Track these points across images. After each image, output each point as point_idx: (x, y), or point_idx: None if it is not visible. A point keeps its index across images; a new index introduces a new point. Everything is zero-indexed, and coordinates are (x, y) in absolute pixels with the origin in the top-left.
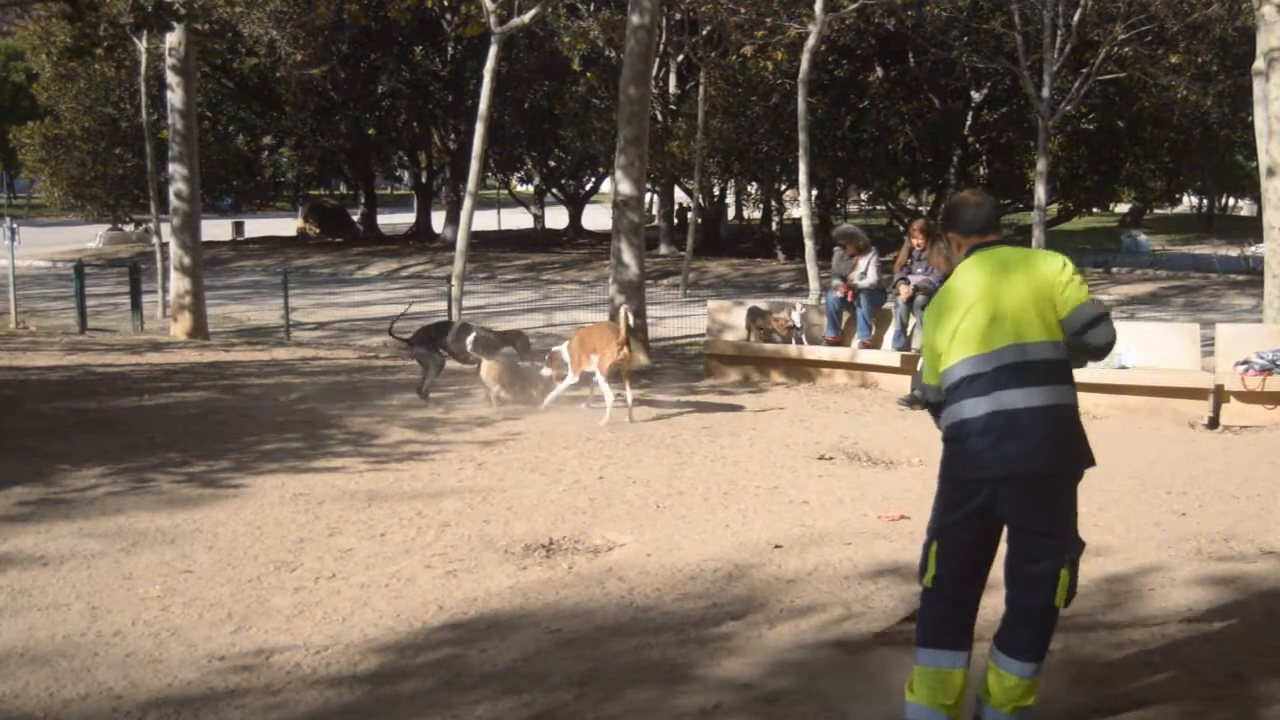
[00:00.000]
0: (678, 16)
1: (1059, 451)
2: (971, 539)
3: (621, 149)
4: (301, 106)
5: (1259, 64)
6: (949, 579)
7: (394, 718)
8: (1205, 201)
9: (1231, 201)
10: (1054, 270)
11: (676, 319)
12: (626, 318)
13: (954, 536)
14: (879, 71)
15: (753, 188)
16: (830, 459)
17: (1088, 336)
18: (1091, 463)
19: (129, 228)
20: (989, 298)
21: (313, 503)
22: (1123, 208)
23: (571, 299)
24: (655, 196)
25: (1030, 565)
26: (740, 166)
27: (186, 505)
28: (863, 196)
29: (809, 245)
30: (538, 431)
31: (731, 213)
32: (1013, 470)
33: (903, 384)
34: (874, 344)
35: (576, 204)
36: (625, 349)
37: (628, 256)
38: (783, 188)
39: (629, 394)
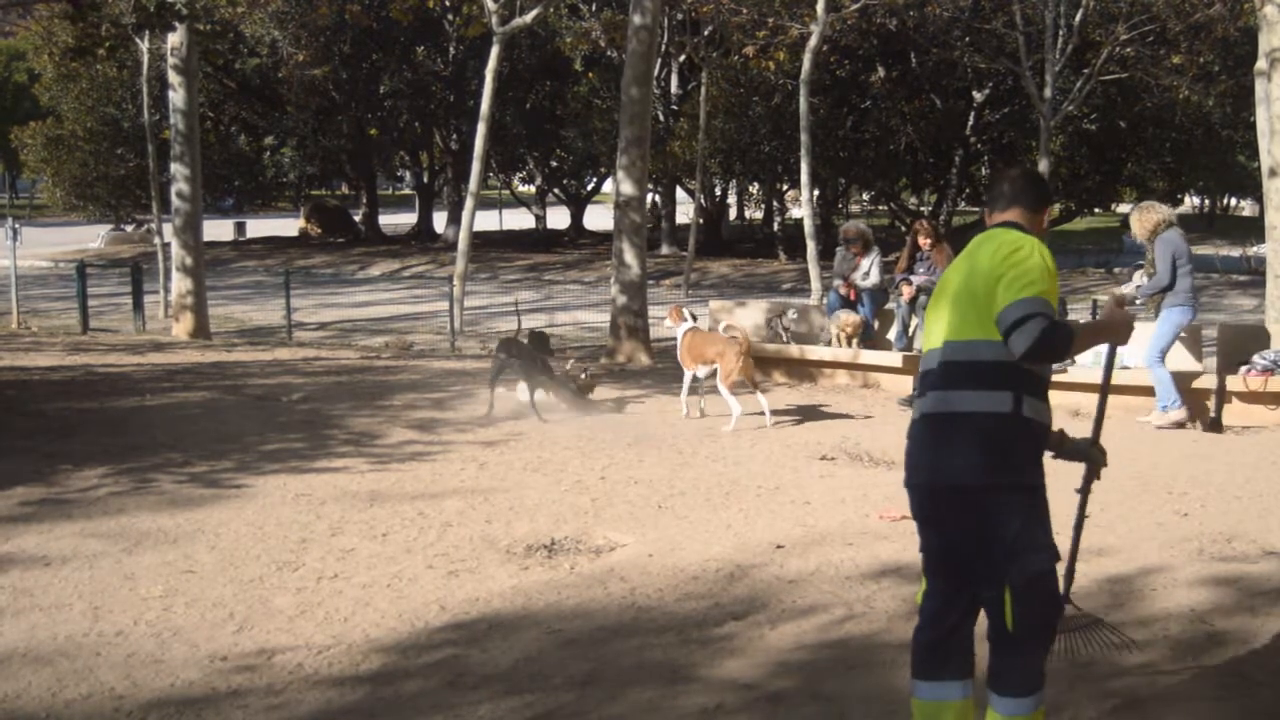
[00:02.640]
0: (679, 17)
1: (963, 463)
2: (930, 548)
3: (623, 149)
4: (303, 107)
5: (1261, 64)
6: (929, 595)
7: (396, 718)
8: (1207, 202)
9: (1233, 202)
10: (995, 261)
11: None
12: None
13: (924, 547)
14: (881, 71)
15: (754, 188)
16: (832, 459)
17: (1009, 342)
18: (1015, 477)
19: (131, 228)
20: (943, 289)
21: (315, 503)
22: (1125, 208)
23: (573, 299)
24: (657, 197)
25: (979, 586)
26: (742, 167)
27: (188, 505)
28: (864, 197)
29: (811, 245)
30: (539, 432)
31: (733, 213)
32: (921, 480)
33: (905, 384)
34: (876, 344)
35: (578, 204)
36: (746, 357)
37: (629, 257)
38: (784, 188)
39: (763, 400)
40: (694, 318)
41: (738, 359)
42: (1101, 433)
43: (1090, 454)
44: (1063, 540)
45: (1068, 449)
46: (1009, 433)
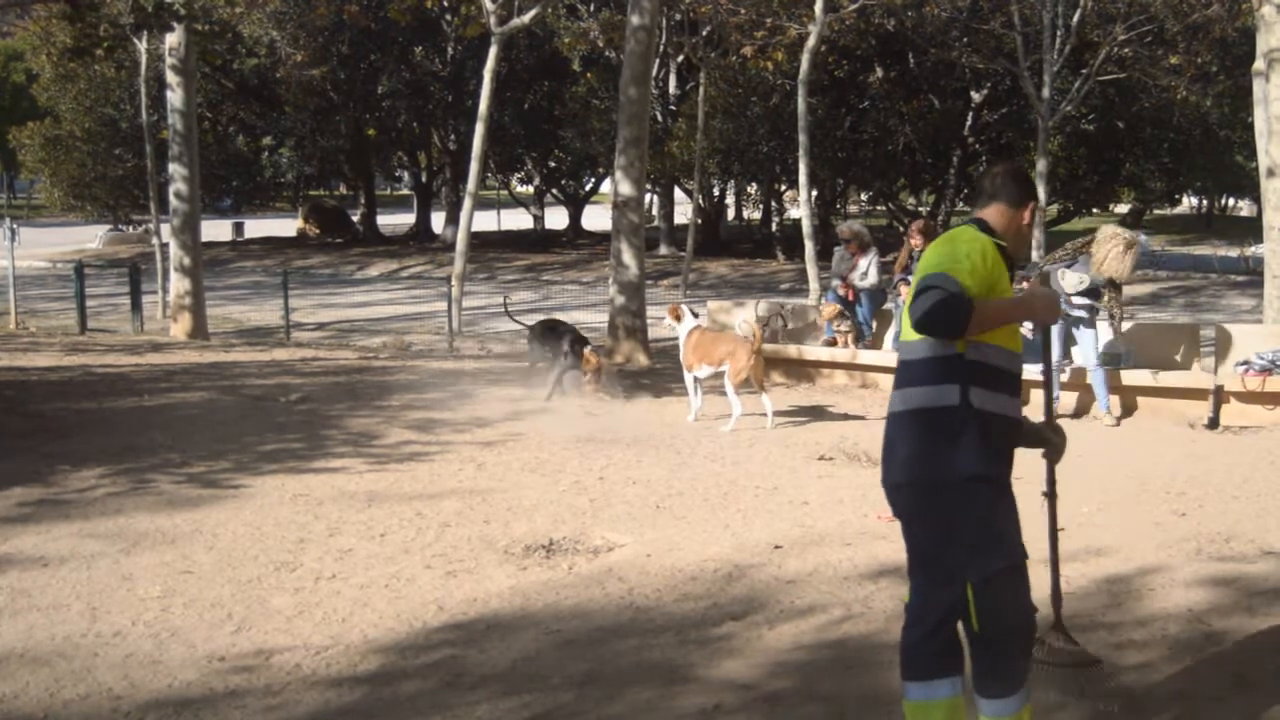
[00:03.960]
0: (678, 17)
1: (905, 462)
2: (907, 546)
3: (621, 149)
4: (301, 107)
5: (1259, 64)
6: (912, 593)
7: (394, 718)
8: (1205, 202)
9: (1231, 202)
10: (929, 256)
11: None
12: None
13: (906, 545)
14: (879, 72)
15: (753, 188)
16: (830, 459)
17: (910, 311)
18: (951, 475)
19: (129, 228)
20: (911, 289)
21: (313, 503)
22: (1122, 208)
23: (571, 299)
24: (655, 197)
25: (947, 585)
26: (740, 167)
27: (186, 506)
28: (863, 197)
29: (809, 246)
30: (537, 432)
31: (731, 213)
32: (885, 479)
33: None
34: (874, 344)
35: (576, 204)
36: (754, 358)
37: (628, 257)
38: (783, 188)
39: (767, 402)
40: (696, 315)
41: (749, 358)
42: (1054, 414)
43: (1045, 435)
44: (1040, 552)
45: (1024, 433)
46: (957, 425)
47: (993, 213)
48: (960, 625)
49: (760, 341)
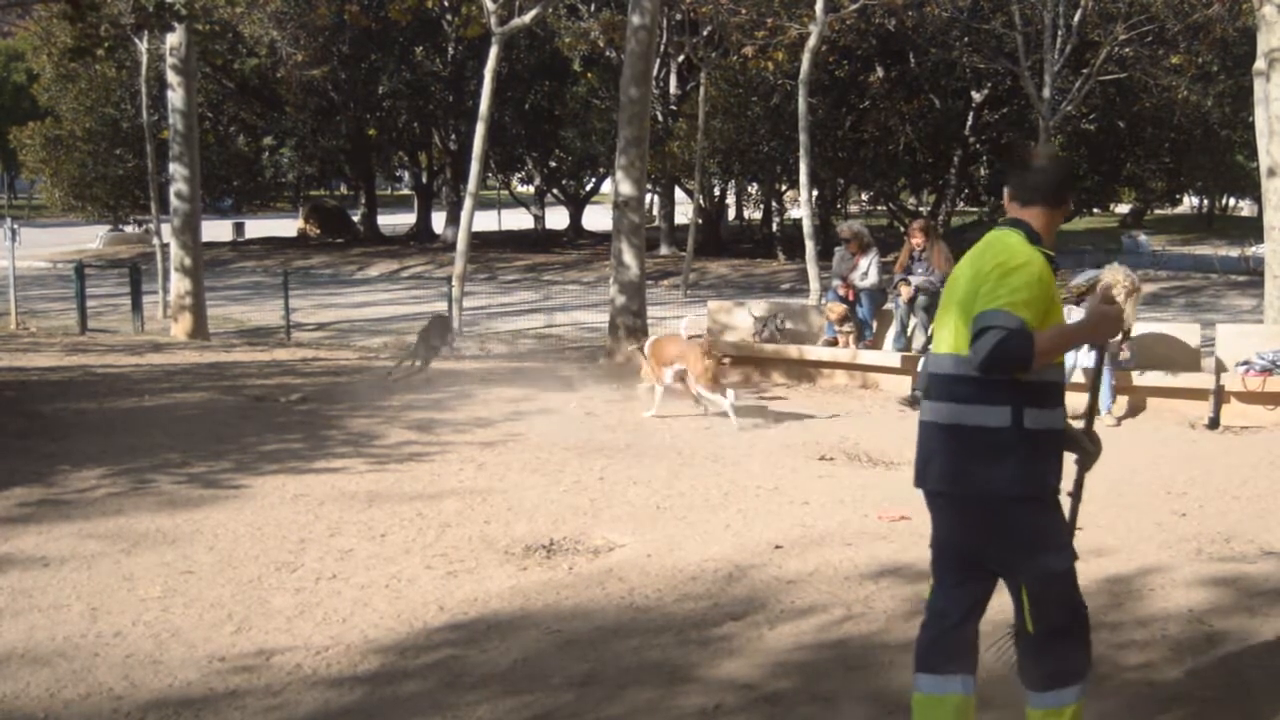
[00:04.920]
0: (678, 17)
1: (945, 474)
2: (934, 544)
3: (622, 149)
4: (302, 107)
5: (1259, 64)
6: (934, 590)
7: (394, 718)
8: (1206, 202)
9: (1232, 202)
10: (985, 271)
11: (677, 319)
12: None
13: (931, 542)
14: (879, 72)
15: (753, 188)
16: (831, 460)
17: (970, 355)
18: (996, 493)
19: (129, 228)
20: (950, 292)
21: (313, 503)
22: (1123, 208)
23: (572, 299)
24: (656, 197)
25: (994, 584)
26: (741, 167)
27: (187, 506)
28: (863, 197)
29: (809, 246)
30: (538, 432)
31: (732, 213)
32: (924, 485)
33: (903, 384)
34: (875, 344)
35: (577, 204)
36: (710, 359)
37: (628, 257)
38: (783, 188)
39: (707, 395)
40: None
41: (701, 359)
42: (1093, 425)
43: (1081, 443)
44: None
45: (1066, 436)
46: (1004, 447)
47: (1036, 216)
48: (980, 624)
49: (711, 343)
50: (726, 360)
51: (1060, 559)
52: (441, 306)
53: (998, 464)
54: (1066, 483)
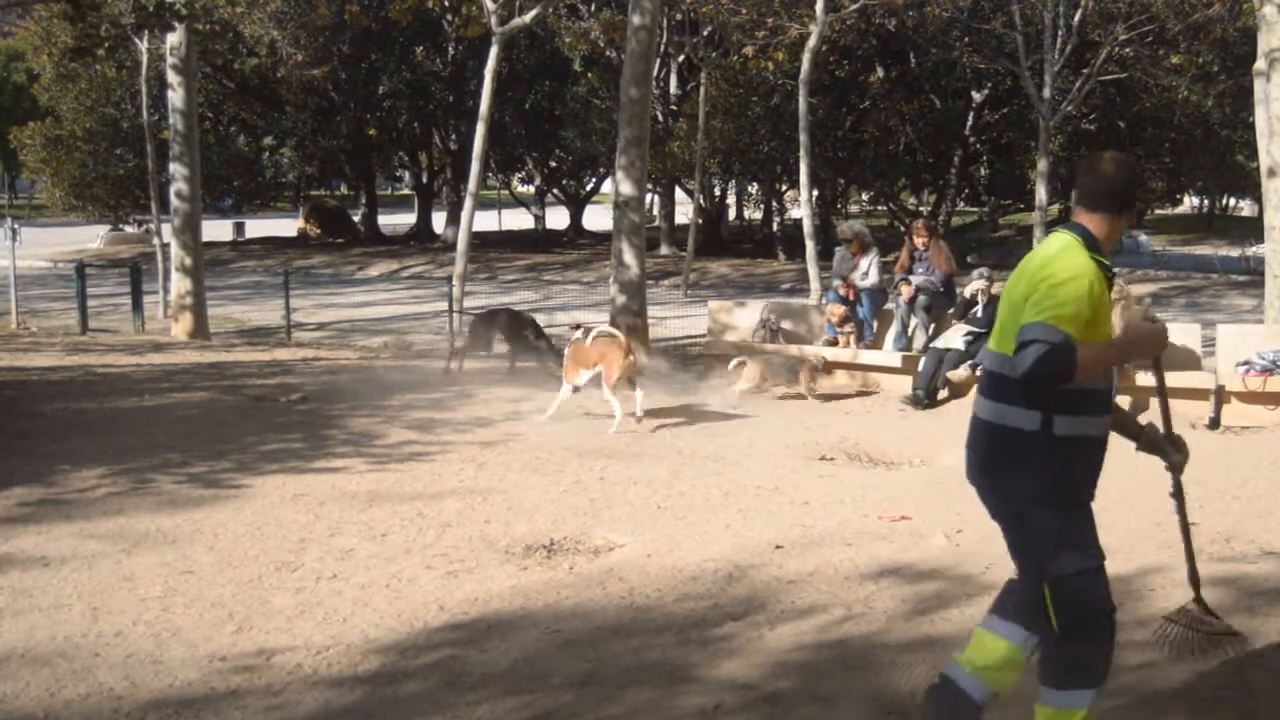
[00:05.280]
0: (679, 17)
1: (980, 467)
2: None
3: (622, 149)
4: (302, 107)
5: (1260, 64)
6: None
7: (395, 718)
8: (1206, 202)
9: (1232, 202)
10: (1037, 274)
11: (678, 319)
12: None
13: None
14: (880, 72)
15: (754, 188)
16: (831, 459)
17: (1014, 364)
18: (1019, 494)
19: (130, 228)
20: (1009, 288)
21: (313, 503)
22: None
23: (573, 299)
24: (656, 197)
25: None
26: (741, 167)
27: (187, 506)
28: (863, 197)
29: (810, 246)
30: (538, 432)
31: (732, 213)
32: (966, 469)
33: (904, 384)
34: (875, 344)
35: (577, 204)
36: (631, 356)
37: (629, 257)
38: (784, 188)
39: (639, 396)
40: (578, 328)
41: (619, 361)
42: (1173, 428)
43: (1164, 447)
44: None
45: (1144, 440)
46: (1032, 451)
47: (1098, 223)
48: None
49: (628, 344)
50: (634, 359)
51: (1081, 559)
52: (442, 306)
53: (1024, 466)
54: (1109, 489)
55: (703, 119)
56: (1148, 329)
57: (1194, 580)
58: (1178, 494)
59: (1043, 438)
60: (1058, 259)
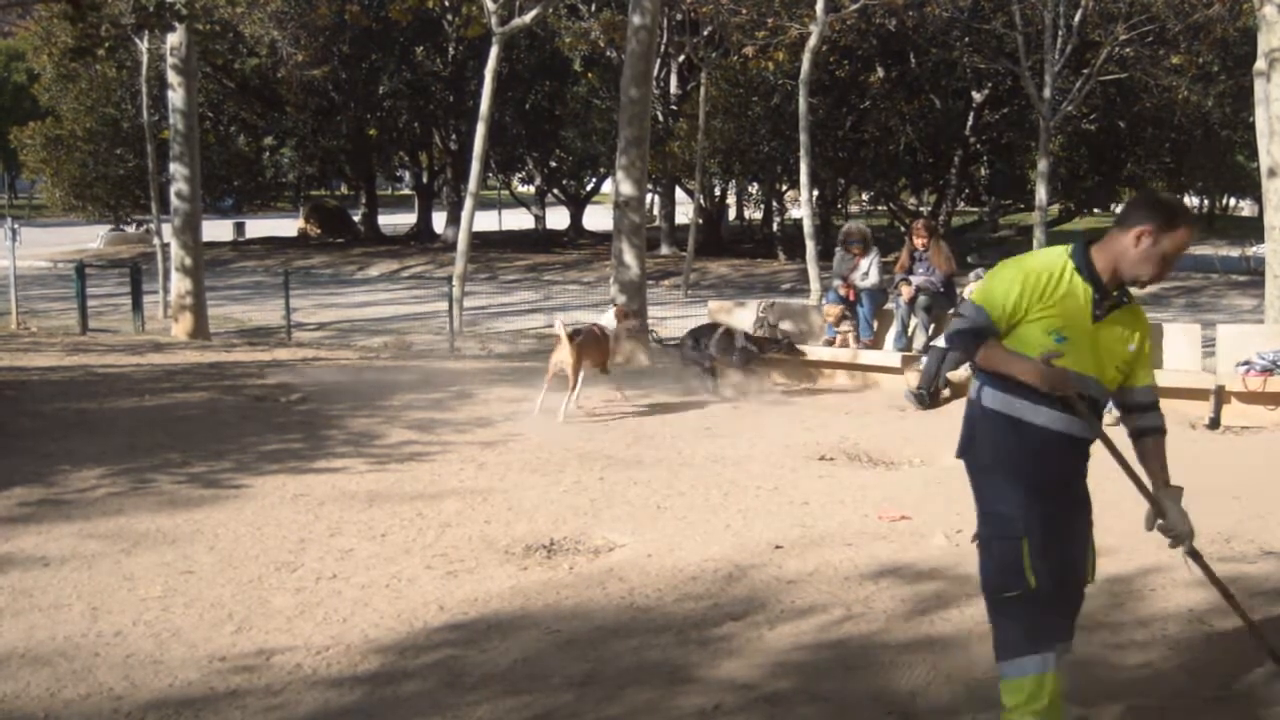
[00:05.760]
0: (679, 17)
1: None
2: None
3: (623, 149)
4: (302, 107)
5: (1260, 64)
6: None
7: (395, 718)
8: (1206, 202)
9: (1233, 202)
10: (989, 277)
11: (678, 319)
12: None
13: None
14: (880, 72)
15: (754, 188)
16: (831, 460)
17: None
18: (962, 454)
19: (130, 228)
20: None
21: (313, 503)
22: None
23: (573, 299)
24: (656, 197)
25: None
26: (741, 167)
27: (187, 506)
28: (864, 197)
29: (810, 246)
30: (538, 432)
31: (733, 213)
32: None
33: (904, 384)
34: (875, 344)
35: (577, 204)
36: (565, 355)
37: (629, 257)
38: (784, 188)
39: (570, 396)
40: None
41: (553, 355)
42: (1146, 491)
43: (1158, 506)
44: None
45: (1154, 505)
46: (975, 417)
47: (1110, 236)
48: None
49: (562, 339)
50: (568, 357)
51: (1001, 527)
52: (443, 306)
53: (965, 427)
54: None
55: (703, 119)
56: (1040, 368)
57: (1261, 641)
58: (1193, 553)
59: (977, 406)
60: (1029, 256)
